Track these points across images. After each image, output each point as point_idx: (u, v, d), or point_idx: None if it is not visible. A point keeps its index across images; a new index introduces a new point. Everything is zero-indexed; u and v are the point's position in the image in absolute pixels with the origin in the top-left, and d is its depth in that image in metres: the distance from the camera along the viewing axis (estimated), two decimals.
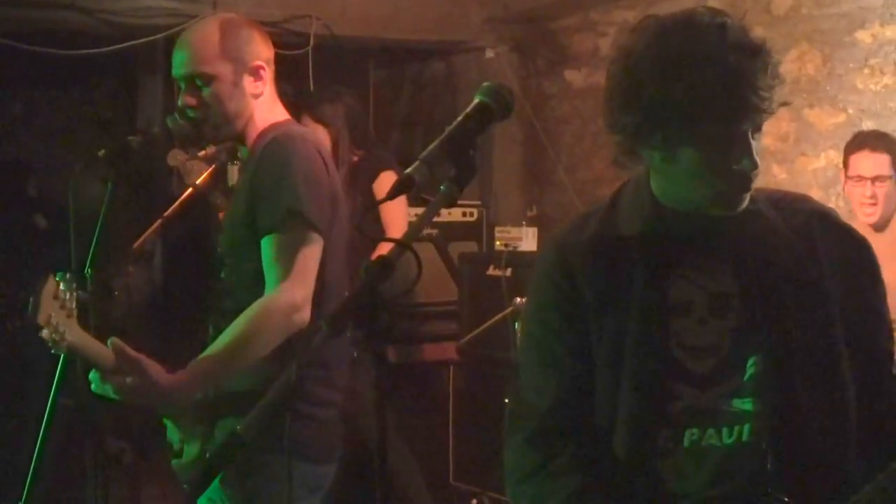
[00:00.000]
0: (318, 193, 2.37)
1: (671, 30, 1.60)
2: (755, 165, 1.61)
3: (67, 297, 2.18)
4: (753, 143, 1.61)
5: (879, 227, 3.60)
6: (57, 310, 2.16)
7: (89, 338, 2.21)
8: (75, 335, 2.19)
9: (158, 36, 4.95)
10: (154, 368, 2.21)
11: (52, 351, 2.19)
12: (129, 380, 2.18)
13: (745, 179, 1.62)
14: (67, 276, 2.21)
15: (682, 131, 1.58)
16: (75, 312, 2.19)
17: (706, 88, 1.54)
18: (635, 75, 1.59)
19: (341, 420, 2.50)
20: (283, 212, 2.31)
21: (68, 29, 4.90)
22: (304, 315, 2.28)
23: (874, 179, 3.53)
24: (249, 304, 2.33)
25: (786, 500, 1.61)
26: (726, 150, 1.59)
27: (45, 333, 2.14)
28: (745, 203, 1.66)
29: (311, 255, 2.33)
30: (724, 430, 1.66)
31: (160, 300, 5.52)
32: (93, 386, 2.22)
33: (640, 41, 1.61)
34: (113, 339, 2.19)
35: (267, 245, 2.32)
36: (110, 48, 4.91)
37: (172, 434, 2.47)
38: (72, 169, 2.40)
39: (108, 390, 2.20)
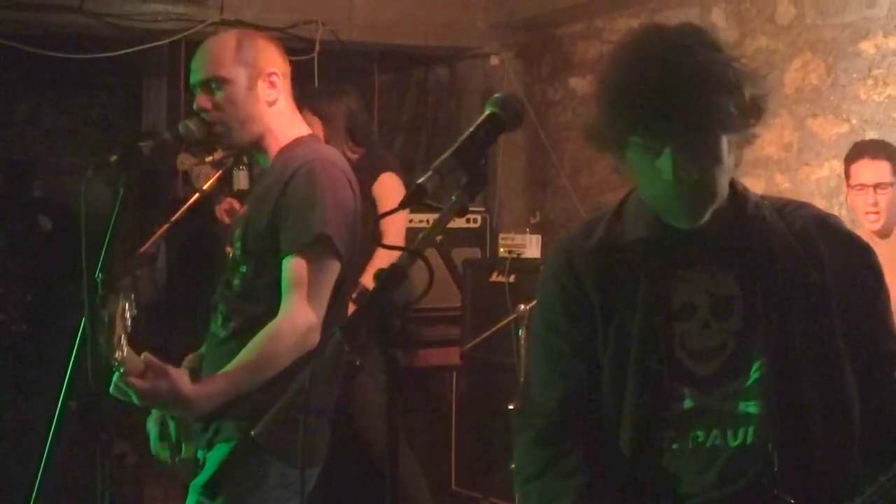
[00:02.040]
0: (345, 221, 2.42)
1: (642, 40, 1.65)
2: (711, 175, 1.60)
3: (128, 315, 2.22)
4: (727, 152, 1.61)
5: (884, 234, 3.63)
6: (122, 329, 2.20)
7: (131, 350, 2.24)
8: (127, 349, 2.23)
9: (164, 41, 4.97)
10: (179, 377, 2.25)
11: (115, 369, 2.20)
12: (154, 385, 2.21)
13: (708, 187, 1.62)
14: (132, 295, 2.25)
15: (651, 136, 1.60)
16: (129, 329, 2.23)
17: (671, 91, 1.56)
18: (600, 83, 1.65)
19: (335, 424, 2.53)
20: (310, 235, 2.35)
21: (75, 32, 4.92)
22: (317, 336, 2.34)
23: (875, 187, 3.57)
24: (260, 313, 2.38)
25: (792, 502, 1.63)
26: (693, 155, 1.59)
27: (117, 355, 2.17)
28: (706, 217, 1.65)
29: (330, 280, 2.39)
30: (729, 433, 1.68)
31: (164, 302, 5.53)
32: (111, 388, 2.24)
33: (611, 61, 1.66)
34: (146, 355, 2.23)
35: (289, 264, 2.36)
36: (117, 53, 4.94)
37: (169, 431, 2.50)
38: (82, 172, 2.41)
39: (131, 394, 2.23)
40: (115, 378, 2.23)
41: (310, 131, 2.58)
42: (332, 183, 2.41)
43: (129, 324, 2.20)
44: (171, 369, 2.24)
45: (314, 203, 2.37)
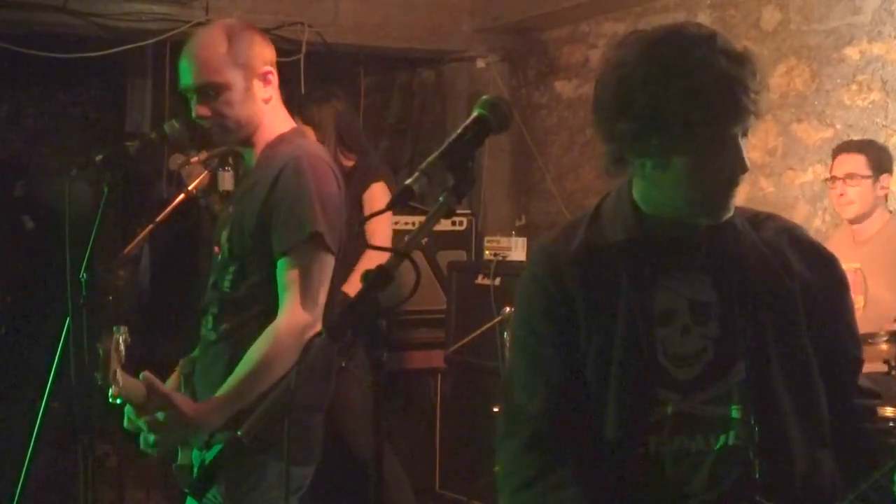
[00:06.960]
0: (334, 215, 2.40)
1: (661, 41, 1.64)
2: (746, 169, 1.65)
3: (122, 347, 2.21)
4: (742, 147, 1.65)
5: (857, 221, 3.79)
6: (117, 363, 2.19)
7: (129, 377, 2.24)
8: (124, 379, 2.22)
9: (149, 42, 4.95)
10: (182, 401, 2.25)
11: (111, 401, 2.21)
12: (160, 415, 2.21)
13: (733, 185, 1.66)
14: (123, 328, 2.25)
15: (677, 136, 1.61)
16: (124, 360, 2.22)
17: (702, 93, 1.58)
18: (628, 84, 1.62)
19: (323, 424, 2.52)
20: (301, 235, 2.33)
21: (59, 31, 4.90)
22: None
23: (845, 178, 3.75)
24: (252, 314, 2.36)
25: None
26: (719, 154, 1.63)
27: (113, 389, 2.17)
28: (730, 213, 1.70)
29: (324, 276, 2.37)
30: (711, 436, 1.68)
31: (146, 302, 5.51)
32: (125, 422, 2.25)
33: (629, 53, 1.65)
34: (145, 374, 2.22)
35: (283, 266, 2.35)
36: (100, 52, 4.91)
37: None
38: (66, 172, 2.40)
39: (142, 425, 2.24)
40: (126, 413, 2.24)
41: (294, 125, 2.53)
42: (319, 178, 2.38)
43: (124, 355, 2.20)
44: (174, 395, 2.24)
45: (303, 201, 2.34)
